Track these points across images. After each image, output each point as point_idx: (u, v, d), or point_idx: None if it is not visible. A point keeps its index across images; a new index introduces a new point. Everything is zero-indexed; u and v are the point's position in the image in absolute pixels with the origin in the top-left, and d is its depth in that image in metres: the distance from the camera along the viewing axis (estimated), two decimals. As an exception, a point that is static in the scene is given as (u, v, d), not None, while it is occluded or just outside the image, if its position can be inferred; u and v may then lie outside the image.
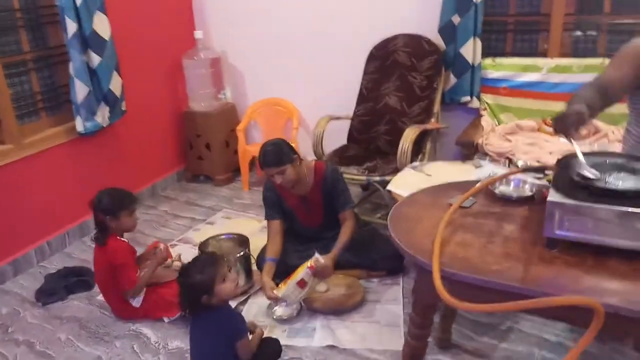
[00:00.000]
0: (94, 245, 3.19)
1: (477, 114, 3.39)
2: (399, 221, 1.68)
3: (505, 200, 1.81)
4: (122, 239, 2.48)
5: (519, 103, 3.29)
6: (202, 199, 3.89)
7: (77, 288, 2.77)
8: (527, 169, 1.87)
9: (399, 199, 2.41)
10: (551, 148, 2.95)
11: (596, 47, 3.23)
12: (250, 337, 2.08)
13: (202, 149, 4.07)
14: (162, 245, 2.68)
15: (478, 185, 1.76)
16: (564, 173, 1.53)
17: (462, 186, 1.92)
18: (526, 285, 1.35)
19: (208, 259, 2.05)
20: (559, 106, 3.18)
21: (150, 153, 3.92)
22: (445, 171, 2.63)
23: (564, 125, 1.55)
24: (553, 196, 1.45)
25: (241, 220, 3.50)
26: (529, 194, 1.82)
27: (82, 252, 3.20)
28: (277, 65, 4.03)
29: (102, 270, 2.45)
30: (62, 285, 2.75)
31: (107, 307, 2.60)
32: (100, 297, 2.69)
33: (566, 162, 1.57)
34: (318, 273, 2.41)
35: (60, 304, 2.69)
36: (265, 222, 3.37)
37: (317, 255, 2.41)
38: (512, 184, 1.88)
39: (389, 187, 2.52)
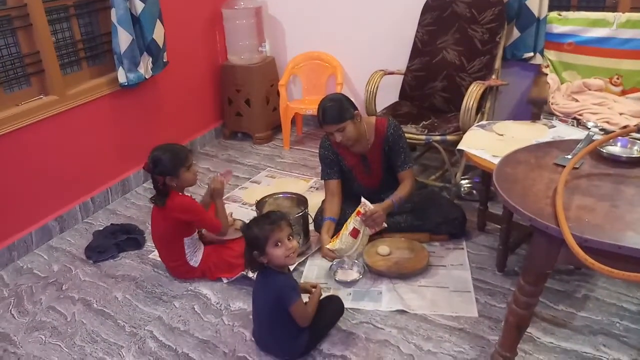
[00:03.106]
0: (139, 203, 3.15)
1: (536, 71, 3.20)
2: (506, 182, 1.55)
3: (614, 161, 1.67)
4: (184, 194, 2.35)
5: (585, 60, 3.08)
6: (243, 157, 3.75)
7: (128, 246, 2.67)
8: (643, 128, 1.73)
9: (474, 159, 2.28)
10: (621, 109, 2.78)
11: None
12: (305, 301, 1.97)
13: (242, 105, 3.90)
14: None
15: (591, 145, 1.62)
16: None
17: (561, 145, 1.79)
18: (668, 254, 1.23)
19: (271, 218, 1.93)
20: (628, 64, 2.99)
21: (190, 108, 3.77)
22: (516, 131, 2.46)
23: None
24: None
25: (287, 179, 3.37)
26: (638, 155, 1.68)
27: (125, 209, 3.11)
28: (319, 16, 3.80)
29: (162, 227, 2.32)
30: (111, 242, 2.65)
31: (160, 266, 2.51)
32: (153, 256, 2.61)
33: None
34: (368, 220, 2.29)
35: (111, 262, 2.60)
36: (312, 182, 3.30)
37: (363, 200, 2.30)
38: (619, 144, 1.73)
39: (460, 147, 2.37)
